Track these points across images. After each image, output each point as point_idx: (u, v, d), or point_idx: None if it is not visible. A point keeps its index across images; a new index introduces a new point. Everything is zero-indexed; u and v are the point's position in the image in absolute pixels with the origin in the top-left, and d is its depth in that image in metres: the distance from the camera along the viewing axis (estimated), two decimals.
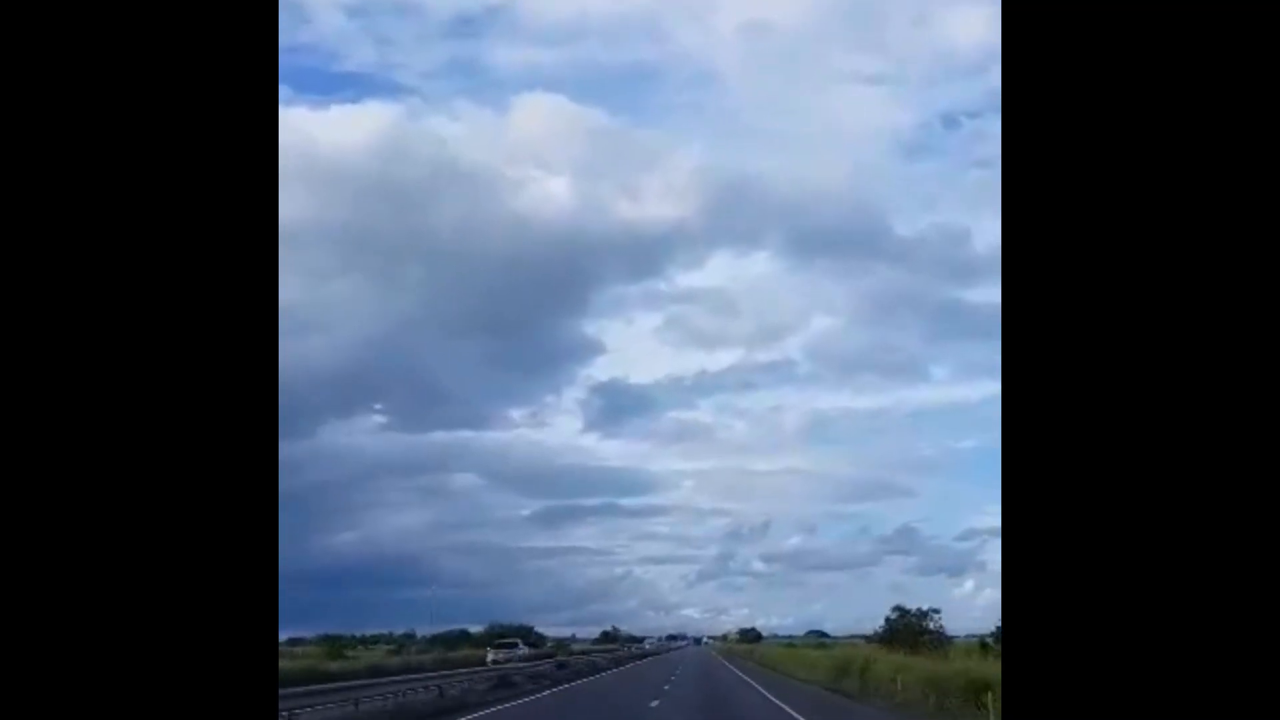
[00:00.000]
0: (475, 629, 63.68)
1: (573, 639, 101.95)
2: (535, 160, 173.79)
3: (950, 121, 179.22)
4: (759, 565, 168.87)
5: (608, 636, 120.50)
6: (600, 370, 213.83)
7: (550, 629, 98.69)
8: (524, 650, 48.76)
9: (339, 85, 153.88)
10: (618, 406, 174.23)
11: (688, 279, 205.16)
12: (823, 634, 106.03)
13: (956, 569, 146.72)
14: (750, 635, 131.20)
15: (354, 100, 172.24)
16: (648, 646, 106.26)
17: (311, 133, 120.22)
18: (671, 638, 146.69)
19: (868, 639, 45.72)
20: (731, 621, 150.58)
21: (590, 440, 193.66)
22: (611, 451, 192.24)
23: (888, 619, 41.68)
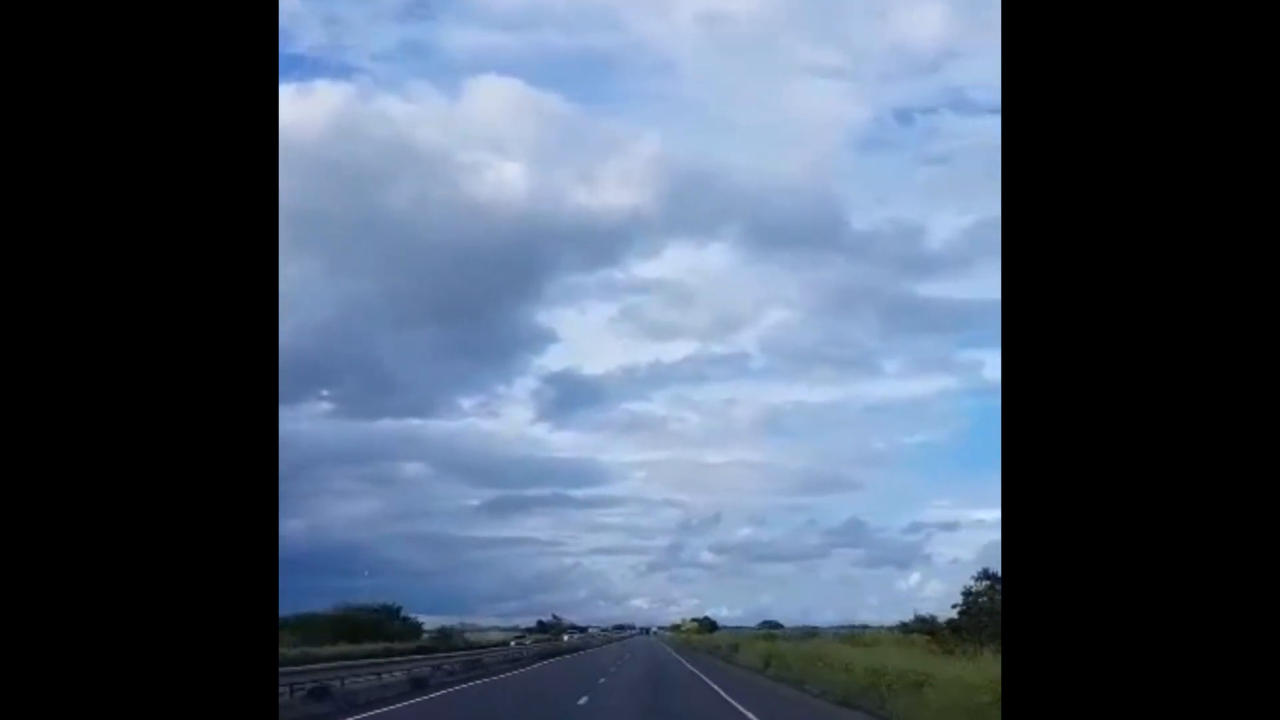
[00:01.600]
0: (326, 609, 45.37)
1: (515, 629, 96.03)
2: (490, 144, 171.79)
3: (904, 117, 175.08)
4: (708, 557, 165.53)
5: (544, 626, 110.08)
6: (553, 360, 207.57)
7: (498, 619, 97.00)
8: None
9: (289, 67, 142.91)
10: (570, 397, 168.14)
11: (644, 269, 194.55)
12: (776, 625, 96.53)
13: (903, 561, 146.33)
14: (706, 624, 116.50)
15: (303, 79, 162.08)
16: (566, 639, 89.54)
17: None
18: (619, 628, 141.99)
19: (907, 629, 28.18)
20: (680, 612, 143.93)
21: (541, 430, 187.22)
22: (563, 442, 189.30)
23: (969, 594, 24.02)
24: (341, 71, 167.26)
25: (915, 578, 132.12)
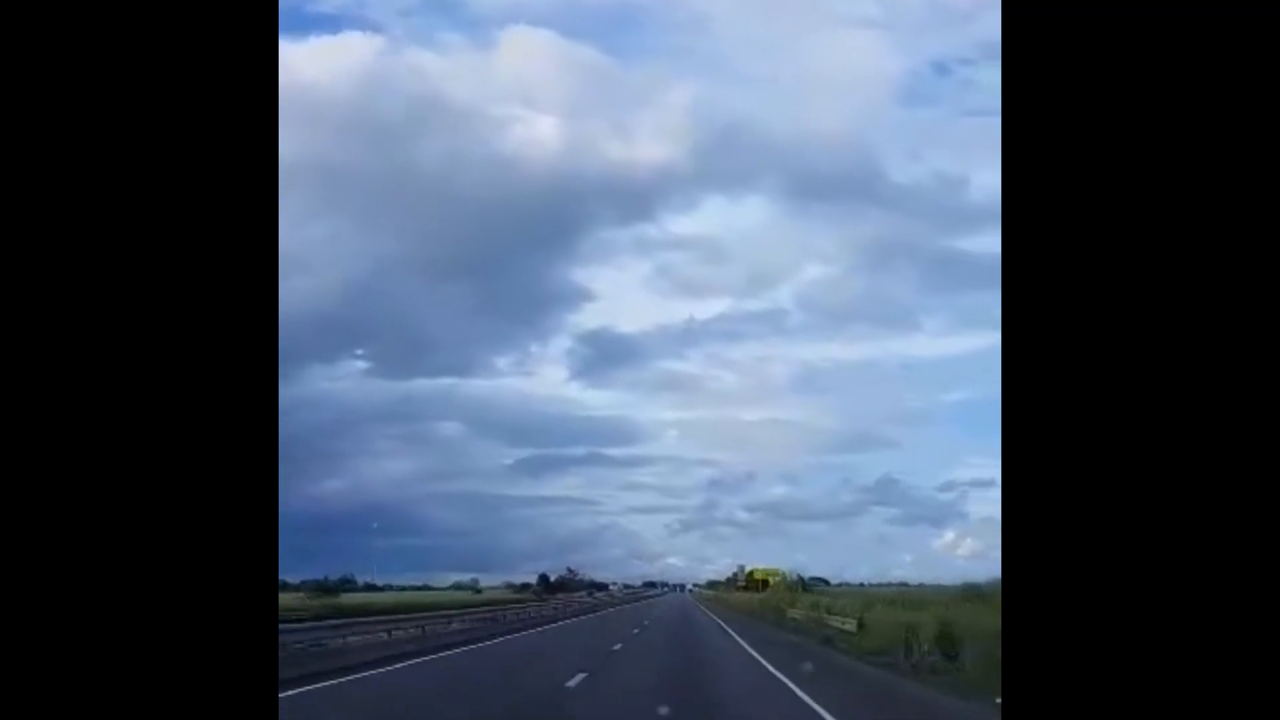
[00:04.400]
0: None
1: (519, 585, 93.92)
2: (522, 98, 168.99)
3: (942, 69, 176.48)
4: (743, 515, 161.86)
5: (547, 583, 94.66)
6: (588, 318, 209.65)
7: (528, 577, 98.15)
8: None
9: (315, 25, 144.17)
10: (605, 355, 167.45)
11: (679, 225, 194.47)
12: (823, 581, 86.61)
13: (938, 519, 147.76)
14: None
15: (331, 35, 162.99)
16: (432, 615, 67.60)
17: (288, 67, 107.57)
18: (649, 584, 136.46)
19: None
20: (716, 570, 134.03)
21: (576, 389, 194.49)
22: (598, 401, 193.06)
23: None
24: (370, 26, 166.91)
25: (950, 535, 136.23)
